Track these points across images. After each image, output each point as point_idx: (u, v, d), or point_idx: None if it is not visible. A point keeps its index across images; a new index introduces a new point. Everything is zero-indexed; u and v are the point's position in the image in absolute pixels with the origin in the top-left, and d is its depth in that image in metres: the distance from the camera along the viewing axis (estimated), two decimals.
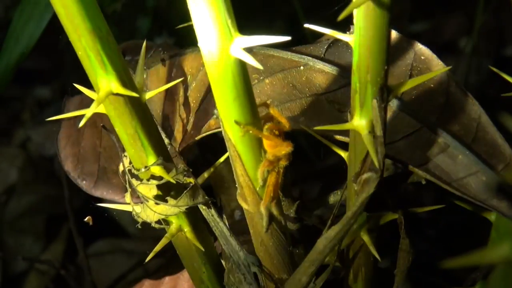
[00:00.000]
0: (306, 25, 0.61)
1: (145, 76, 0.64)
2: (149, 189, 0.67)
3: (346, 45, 0.78)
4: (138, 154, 0.65)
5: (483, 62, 1.59)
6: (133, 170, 0.67)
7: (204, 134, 0.78)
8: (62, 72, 1.75)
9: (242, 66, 0.53)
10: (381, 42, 0.51)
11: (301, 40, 0.82)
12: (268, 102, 0.72)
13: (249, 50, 0.75)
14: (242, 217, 0.90)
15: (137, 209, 0.69)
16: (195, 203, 0.69)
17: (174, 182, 0.66)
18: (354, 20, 0.52)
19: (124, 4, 1.24)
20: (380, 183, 0.60)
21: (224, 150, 0.62)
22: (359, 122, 0.57)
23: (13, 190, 1.51)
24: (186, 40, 0.85)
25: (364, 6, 0.49)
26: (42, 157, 1.63)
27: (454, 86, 0.73)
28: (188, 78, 0.81)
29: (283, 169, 0.61)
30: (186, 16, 0.54)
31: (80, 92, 0.75)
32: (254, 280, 0.70)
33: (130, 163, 0.67)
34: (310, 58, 0.77)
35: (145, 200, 0.67)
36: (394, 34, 0.77)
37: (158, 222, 0.70)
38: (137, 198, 0.69)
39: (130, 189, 0.68)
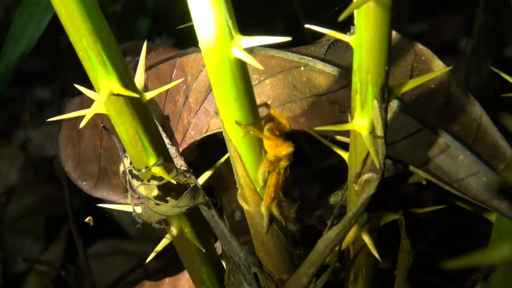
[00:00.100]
0: (306, 26, 0.61)
1: (145, 77, 0.64)
2: (149, 190, 0.67)
3: (347, 45, 0.78)
4: (138, 155, 0.65)
5: (483, 62, 1.59)
6: (133, 171, 0.67)
7: (204, 135, 0.78)
8: (62, 73, 1.74)
9: (243, 67, 0.53)
10: (382, 43, 0.51)
11: (301, 41, 0.82)
12: (269, 102, 0.72)
13: (250, 50, 0.75)
14: (242, 218, 0.90)
15: (138, 209, 0.69)
16: (196, 204, 0.69)
17: (175, 182, 0.66)
18: (355, 21, 0.52)
19: (124, 5, 1.24)
20: (380, 184, 0.60)
21: (224, 150, 0.62)
22: (359, 122, 0.57)
23: (13, 191, 1.51)
24: (186, 41, 0.85)
25: (365, 7, 0.49)
26: (42, 158, 1.63)
27: (455, 86, 0.73)
28: (189, 79, 0.81)
29: (284, 170, 0.61)
30: (186, 17, 0.55)
31: (80, 93, 0.75)
32: (255, 280, 0.70)
33: (131, 163, 0.67)
34: (311, 58, 0.77)
35: (146, 201, 0.67)
36: (394, 34, 0.77)
37: (159, 222, 0.70)
38: (138, 198, 0.69)
39: (130, 190, 0.68)
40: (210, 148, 0.96)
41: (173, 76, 0.83)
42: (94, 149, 0.89)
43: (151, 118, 0.65)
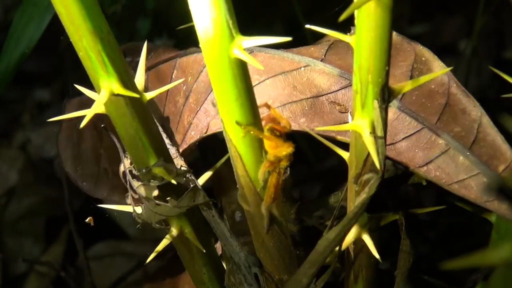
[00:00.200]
0: (307, 26, 0.61)
1: (145, 77, 0.64)
2: (150, 190, 0.67)
3: (347, 46, 0.78)
4: (139, 155, 0.65)
5: (483, 64, 1.59)
6: (134, 171, 0.67)
7: (204, 135, 0.78)
8: (62, 75, 1.74)
9: (243, 67, 0.53)
10: (383, 43, 0.51)
11: (301, 42, 0.82)
12: (269, 103, 0.72)
13: (250, 51, 0.76)
14: (242, 219, 0.90)
15: (138, 210, 0.69)
16: (196, 204, 0.69)
17: (175, 183, 0.67)
18: (355, 21, 0.52)
19: (124, 6, 1.24)
20: (380, 184, 0.60)
21: (224, 151, 0.62)
22: (360, 122, 0.57)
23: (13, 192, 1.51)
24: (186, 42, 0.85)
25: (365, 7, 0.49)
26: (42, 159, 1.63)
27: (455, 87, 0.73)
28: (189, 80, 0.81)
29: (284, 170, 0.61)
30: (186, 18, 0.55)
31: (80, 94, 0.75)
32: (255, 281, 0.70)
33: (131, 164, 0.67)
34: (311, 59, 0.77)
35: (146, 201, 0.67)
36: (395, 35, 0.77)
37: (159, 223, 0.70)
38: (138, 199, 0.69)
39: (131, 190, 0.68)
40: (210, 149, 0.96)
41: (173, 76, 0.83)
42: (94, 149, 0.89)
43: (151, 119, 0.65)
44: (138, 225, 0.70)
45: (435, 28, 1.78)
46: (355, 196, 0.65)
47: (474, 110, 0.72)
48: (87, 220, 0.76)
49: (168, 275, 1.04)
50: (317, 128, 0.72)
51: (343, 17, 0.46)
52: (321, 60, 0.77)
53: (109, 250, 1.39)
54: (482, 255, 0.39)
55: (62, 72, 1.68)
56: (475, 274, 0.79)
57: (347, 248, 0.76)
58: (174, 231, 0.72)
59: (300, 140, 1.31)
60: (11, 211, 1.47)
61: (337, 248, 0.68)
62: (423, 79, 0.58)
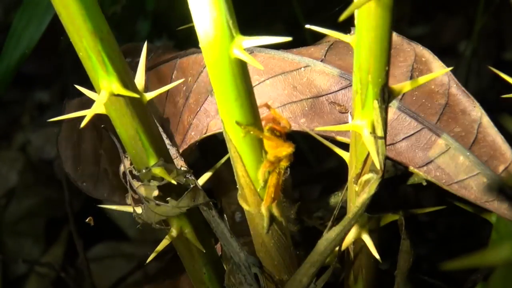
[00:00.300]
0: (307, 26, 0.61)
1: (145, 78, 0.64)
2: (150, 190, 0.67)
3: (347, 46, 0.78)
4: (139, 155, 0.65)
5: (483, 65, 1.59)
6: (134, 171, 0.67)
7: (204, 136, 0.78)
8: (61, 76, 1.75)
9: (243, 67, 0.53)
10: (383, 43, 0.51)
11: (302, 42, 0.82)
12: (269, 103, 0.72)
13: (250, 51, 0.76)
14: (242, 219, 0.90)
15: (138, 210, 0.69)
16: (196, 204, 0.69)
17: (175, 183, 0.67)
18: (356, 21, 0.52)
19: (124, 7, 1.24)
20: (380, 184, 0.60)
21: (224, 152, 0.62)
22: (360, 123, 0.57)
23: (13, 193, 1.51)
24: (186, 43, 0.85)
25: (365, 7, 0.49)
26: (42, 160, 1.63)
27: (455, 87, 0.73)
28: (189, 80, 0.81)
29: (284, 170, 0.61)
30: (186, 20, 0.55)
31: (80, 95, 0.75)
32: (255, 281, 0.70)
33: (131, 164, 0.67)
34: (311, 59, 0.77)
35: (146, 201, 0.67)
36: (395, 35, 0.77)
37: (159, 223, 0.70)
38: (138, 199, 0.69)
39: (131, 190, 0.68)
40: (210, 149, 0.96)
41: (173, 77, 0.83)
42: (94, 150, 0.89)
43: (152, 119, 0.65)
44: (138, 225, 0.70)
45: (435, 29, 1.78)
46: (355, 196, 0.65)
47: (474, 111, 0.72)
48: (87, 220, 0.76)
49: (168, 276, 1.04)
50: (317, 128, 0.72)
51: (343, 17, 0.46)
52: (321, 61, 0.77)
53: (109, 251, 1.39)
54: (481, 255, 0.39)
55: (62, 73, 1.68)
56: (475, 275, 0.79)
57: (347, 248, 0.76)
58: (174, 231, 0.72)
59: (300, 141, 1.31)
60: (11, 212, 1.47)
61: (337, 248, 0.68)
62: (423, 79, 0.58)
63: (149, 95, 0.63)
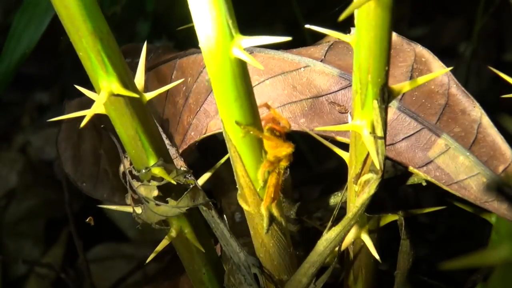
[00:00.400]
0: (307, 26, 0.61)
1: (145, 78, 0.64)
2: (149, 190, 0.67)
3: (346, 46, 0.78)
4: (138, 155, 0.65)
5: (483, 66, 1.59)
6: (133, 171, 0.67)
7: (204, 136, 0.78)
8: (61, 77, 1.75)
9: (243, 67, 0.53)
10: (382, 43, 0.51)
11: (301, 42, 0.82)
12: (269, 103, 0.72)
13: (250, 51, 0.76)
14: (242, 220, 0.90)
15: (138, 210, 0.69)
16: (196, 204, 0.69)
17: (175, 183, 0.67)
18: (355, 20, 0.52)
19: (124, 7, 1.24)
20: (380, 185, 0.60)
21: (224, 152, 0.62)
22: (359, 123, 0.57)
23: (13, 194, 1.51)
24: (186, 44, 0.85)
25: (365, 7, 0.49)
26: (41, 161, 1.63)
27: (455, 87, 0.73)
28: (189, 80, 0.81)
29: (284, 170, 0.61)
30: (186, 20, 0.55)
31: (79, 96, 0.75)
32: (255, 281, 0.70)
33: (131, 164, 0.67)
34: (311, 59, 0.77)
35: (146, 201, 0.67)
36: (394, 35, 0.77)
37: (159, 223, 0.70)
38: (138, 199, 0.69)
39: (130, 190, 0.68)
40: (210, 150, 0.96)
41: (173, 77, 0.83)
42: (94, 150, 0.89)
43: (151, 119, 0.65)
44: (138, 226, 0.70)
45: (435, 30, 1.79)
46: (355, 197, 0.65)
47: (474, 111, 0.72)
48: (87, 220, 0.76)
49: (168, 277, 1.04)
50: (317, 128, 0.72)
51: (342, 16, 0.46)
52: (321, 61, 0.77)
53: (109, 252, 1.39)
54: (481, 256, 0.39)
55: (62, 74, 1.68)
56: (474, 275, 0.79)
57: (347, 249, 0.76)
58: (173, 231, 0.72)
59: (300, 142, 1.31)
60: (11, 213, 1.47)
61: (336, 249, 0.68)
62: (423, 79, 0.58)
63: (148, 95, 0.63)
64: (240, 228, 0.85)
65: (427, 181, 0.71)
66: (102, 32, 0.56)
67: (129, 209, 0.71)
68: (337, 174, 0.79)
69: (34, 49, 0.99)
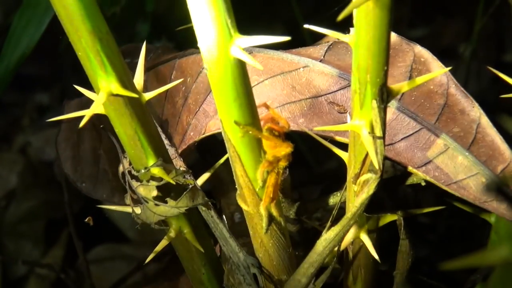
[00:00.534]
0: (306, 26, 0.61)
1: (144, 78, 0.64)
2: (149, 190, 0.67)
3: (346, 47, 0.78)
4: (138, 155, 0.65)
5: (482, 67, 1.59)
6: (133, 171, 0.67)
7: (203, 136, 0.78)
8: (61, 78, 1.75)
9: (242, 67, 0.53)
10: (381, 43, 0.51)
11: (300, 42, 0.83)
12: (268, 103, 0.72)
13: (249, 52, 0.76)
14: (241, 220, 0.90)
15: (137, 210, 0.69)
16: (195, 204, 0.69)
17: (174, 183, 0.67)
18: (354, 20, 0.52)
19: (123, 8, 1.24)
20: (379, 184, 0.60)
21: (223, 152, 0.62)
22: (358, 122, 0.57)
23: (13, 195, 1.51)
24: (186, 44, 0.85)
25: (364, 6, 0.49)
26: (41, 162, 1.63)
27: (454, 87, 0.73)
28: (188, 80, 0.81)
29: (283, 170, 0.61)
30: (185, 22, 0.55)
31: (79, 96, 0.75)
32: (254, 281, 0.70)
33: (130, 164, 0.67)
34: (310, 60, 0.77)
35: (145, 202, 0.67)
36: (393, 35, 0.77)
37: (158, 223, 0.70)
38: (137, 199, 0.69)
39: (129, 190, 0.68)
40: (209, 150, 0.96)
41: (172, 77, 0.83)
42: (93, 150, 0.89)
43: (150, 119, 0.65)
44: (137, 226, 0.70)
45: (435, 31, 1.78)
46: (354, 197, 0.65)
47: (473, 111, 0.72)
48: (86, 220, 0.76)
49: (167, 277, 1.04)
50: (316, 128, 0.72)
51: (341, 16, 0.46)
52: (320, 61, 0.77)
53: (108, 253, 1.39)
54: (481, 256, 0.39)
55: (61, 76, 1.68)
56: (474, 275, 0.79)
57: (346, 249, 0.76)
58: (173, 231, 0.72)
59: (300, 142, 1.31)
60: (11, 213, 1.47)
61: (336, 249, 0.68)
62: (422, 79, 0.58)
63: (148, 95, 0.63)
64: (239, 228, 0.85)
65: (426, 181, 0.71)
66: (101, 32, 0.56)
67: (128, 209, 0.71)
68: (336, 174, 0.79)
69: (33, 49, 0.99)
